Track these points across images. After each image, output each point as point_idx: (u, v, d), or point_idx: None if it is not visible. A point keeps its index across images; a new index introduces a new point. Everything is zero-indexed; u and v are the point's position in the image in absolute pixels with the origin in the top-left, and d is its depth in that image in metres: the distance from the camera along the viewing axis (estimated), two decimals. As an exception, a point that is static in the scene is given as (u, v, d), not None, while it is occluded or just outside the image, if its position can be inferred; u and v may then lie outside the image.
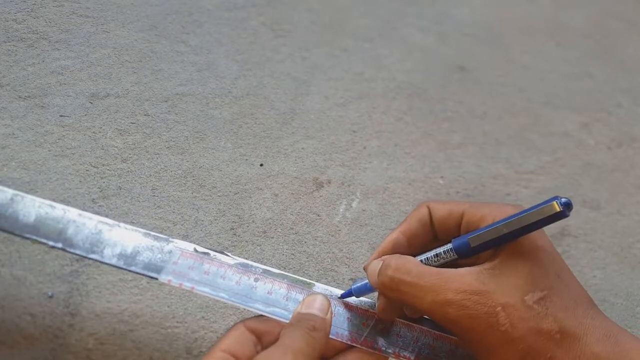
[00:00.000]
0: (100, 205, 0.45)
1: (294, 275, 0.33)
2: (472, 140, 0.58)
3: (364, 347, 0.31)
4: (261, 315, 0.31)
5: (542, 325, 0.28)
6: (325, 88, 0.59)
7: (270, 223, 0.47)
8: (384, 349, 0.31)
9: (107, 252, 0.33)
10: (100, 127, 0.50)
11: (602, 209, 0.55)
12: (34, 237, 0.32)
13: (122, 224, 0.34)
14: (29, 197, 0.34)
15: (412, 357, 0.32)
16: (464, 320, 0.28)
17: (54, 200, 0.44)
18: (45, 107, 0.50)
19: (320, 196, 0.50)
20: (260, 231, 0.46)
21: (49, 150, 0.47)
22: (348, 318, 0.32)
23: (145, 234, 0.33)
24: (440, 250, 0.32)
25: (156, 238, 0.33)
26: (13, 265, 0.40)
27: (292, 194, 0.50)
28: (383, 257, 0.32)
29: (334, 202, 0.50)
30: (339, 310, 0.32)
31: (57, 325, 0.39)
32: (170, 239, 0.33)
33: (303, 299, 0.31)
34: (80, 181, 0.46)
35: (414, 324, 0.33)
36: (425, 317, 0.33)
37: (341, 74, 0.61)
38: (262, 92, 0.57)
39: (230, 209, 0.47)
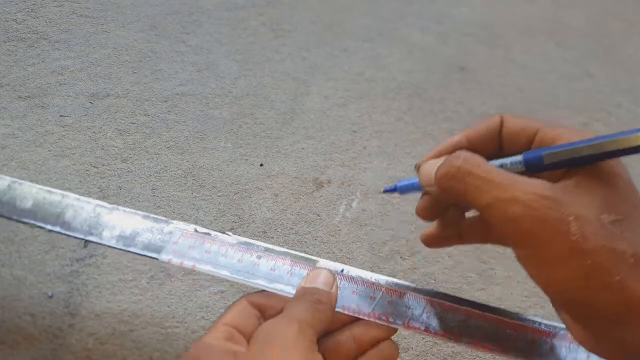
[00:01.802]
0: (100, 205, 0.45)
1: (297, 252, 0.33)
2: (472, 140, 0.58)
3: (371, 319, 0.30)
4: (264, 291, 0.31)
5: (616, 245, 0.25)
6: (325, 88, 0.59)
7: (270, 223, 0.47)
8: (392, 320, 0.31)
9: (106, 234, 0.32)
10: (100, 127, 0.50)
11: (602, 209, 0.55)
12: (32, 222, 0.32)
13: (120, 207, 0.33)
14: (27, 184, 0.33)
15: (422, 328, 0.31)
16: (527, 222, 0.25)
17: (54, 200, 0.44)
18: (45, 107, 0.50)
19: (320, 196, 0.50)
20: (260, 231, 0.46)
21: (49, 150, 0.47)
22: (354, 291, 0.31)
23: (145, 216, 0.33)
24: (507, 160, 0.30)
25: (156, 220, 0.33)
26: (13, 265, 0.40)
27: (292, 194, 0.50)
28: (445, 156, 0.30)
29: (334, 202, 0.50)
30: (344, 284, 0.32)
31: (57, 325, 0.39)
32: (170, 221, 0.33)
33: (307, 274, 0.30)
34: (80, 181, 0.46)
35: (421, 296, 0.32)
36: (434, 295, 0.32)
37: (341, 74, 0.61)
38: (262, 92, 0.57)
39: (230, 209, 0.47)
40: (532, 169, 0.29)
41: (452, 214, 0.33)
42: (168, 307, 0.41)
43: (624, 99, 0.67)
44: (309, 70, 0.61)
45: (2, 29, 0.55)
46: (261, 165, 0.51)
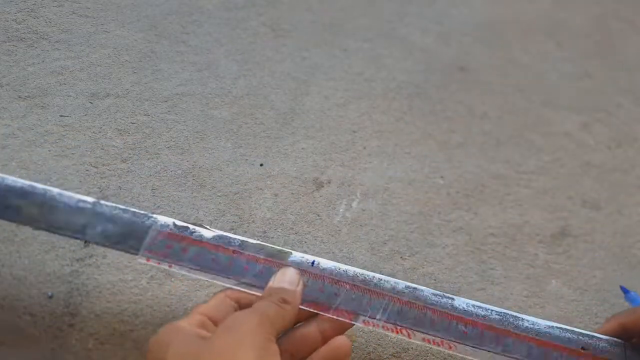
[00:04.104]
0: (100, 205, 0.45)
1: (271, 245, 0.35)
2: (472, 140, 0.58)
3: (334, 317, 0.33)
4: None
5: None
6: (325, 88, 0.59)
7: (270, 223, 0.47)
8: (353, 318, 0.33)
9: (89, 232, 0.34)
10: (100, 127, 0.50)
11: (602, 209, 0.55)
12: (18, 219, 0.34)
13: (102, 202, 0.35)
14: (10, 179, 0.35)
15: (380, 325, 0.33)
16: None
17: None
18: (45, 107, 0.50)
19: (320, 196, 0.50)
20: (260, 231, 0.46)
21: (49, 150, 0.47)
22: (320, 288, 0.34)
23: (124, 211, 0.35)
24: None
25: (135, 214, 0.35)
26: (13, 265, 0.41)
27: (292, 194, 0.50)
28: None
29: (334, 202, 0.50)
30: (311, 282, 0.34)
31: (57, 325, 0.39)
32: (150, 215, 0.35)
33: (275, 273, 0.33)
34: (80, 181, 0.46)
35: (384, 293, 0.34)
36: (399, 291, 0.35)
37: (341, 74, 0.61)
38: (262, 92, 0.57)
39: (230, 209, 0.47)
40: None
41: None
42: (168, 307, 0.41)
43: (624, 99, 0.67)
44: (309, 70, 0.61)
45: (2, 29, 0.55)
46: (261, 165, 0.51)
